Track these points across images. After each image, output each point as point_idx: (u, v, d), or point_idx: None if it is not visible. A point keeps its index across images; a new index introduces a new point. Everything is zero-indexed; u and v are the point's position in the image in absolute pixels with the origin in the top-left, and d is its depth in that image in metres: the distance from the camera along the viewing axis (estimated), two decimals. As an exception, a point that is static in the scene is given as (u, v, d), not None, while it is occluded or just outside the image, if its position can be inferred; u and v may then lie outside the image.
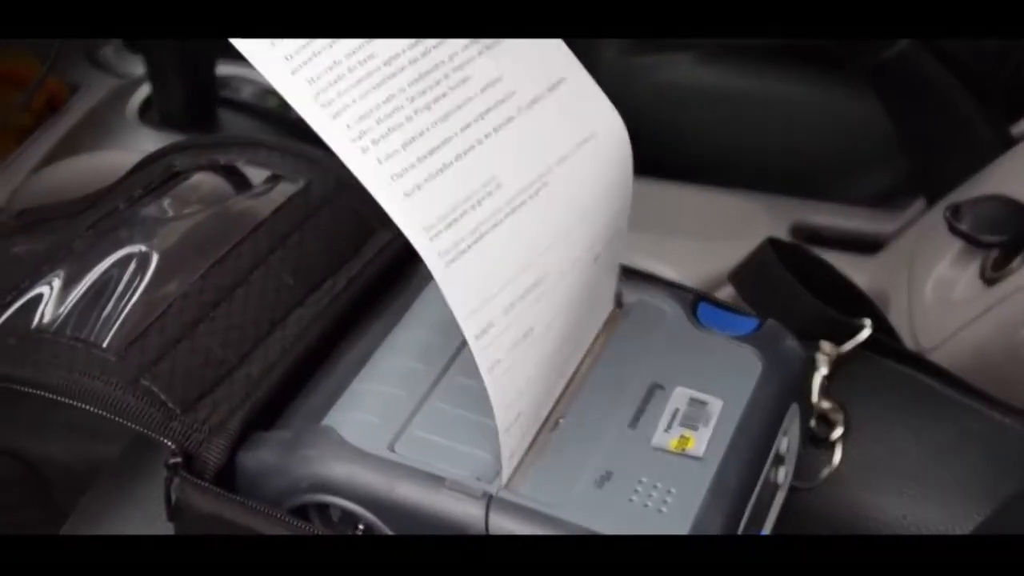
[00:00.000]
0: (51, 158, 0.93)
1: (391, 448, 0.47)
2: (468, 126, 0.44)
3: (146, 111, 0.95)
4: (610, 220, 0.49)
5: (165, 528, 0.49)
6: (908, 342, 0.77)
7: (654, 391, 0.51)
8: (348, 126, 0.42)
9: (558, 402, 0.50)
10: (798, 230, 1.00)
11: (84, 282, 0.54)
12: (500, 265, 0.44)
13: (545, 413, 0.48)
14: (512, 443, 0.46)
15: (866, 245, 0.96)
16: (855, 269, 0.87)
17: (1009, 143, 0.86)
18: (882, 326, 0.64)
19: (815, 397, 0.58)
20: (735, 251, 0.72)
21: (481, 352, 0.43)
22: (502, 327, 0.44)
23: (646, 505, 0.46)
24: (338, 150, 0.42)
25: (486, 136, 0.45)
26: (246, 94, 0.98)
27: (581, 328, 0.50)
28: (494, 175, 0.44)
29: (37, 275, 0.55)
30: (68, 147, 0.94)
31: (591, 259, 0.48)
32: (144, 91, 0.96)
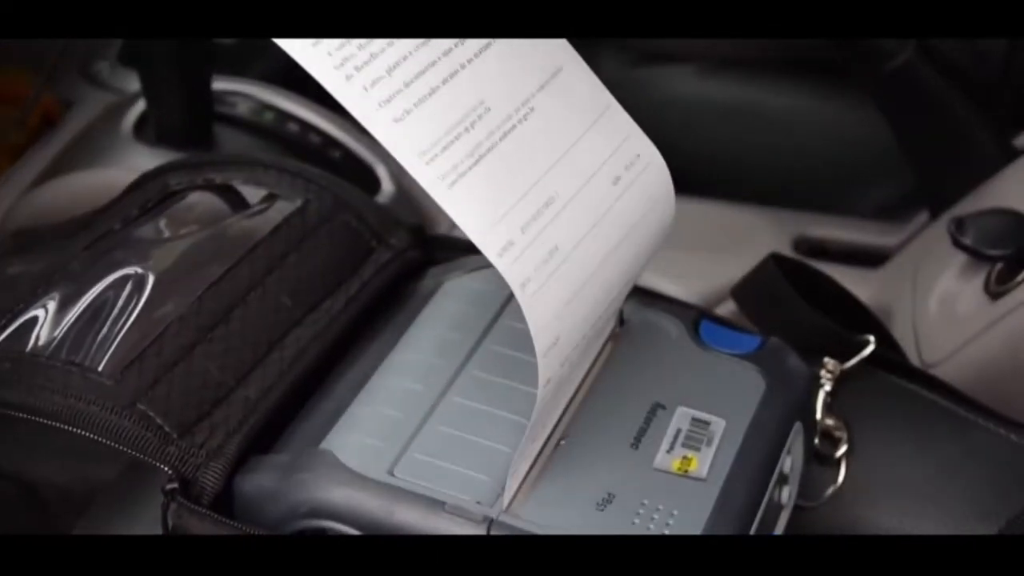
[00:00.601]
0: (46, 176, 0.93)
1: (390, 472, 0.47)
2: (450, 51, 0.44)
3: (141, 128, 0.95)
4: (614, 142, 0.49)
5: (162, 553, 0.49)
6: (912, 356, 0.77)
7: (656, 411, 0.51)
8: (329, 53, 0.42)
9: (559, 423, 0.50)
10: (801, 243, 1.00)
11: (79, 304, 0.54)
12: (504, 185, 0.43)
13: (583, 340, 0.47)
14: (550, 370, 0.45)
15: (870, 258, 0.96)
16: (859, 282, 0.87)
17: (1013, 155, 0.86)
18: (886, 341, 0.64)
19: (819, 414, 0.58)
20: (738, 265, 0.71)
21: (508, 270, 0.43)
22: (523, 245, 0.43)
23: (649, 528, 0.46)
24: (321, 78, 0.41)
25: (468, 61, 0.44)
26: (242, 109, 0.98)
27: (618, 265, 0.50)
28: (482, 99, 0.44)
29: (32, 297, 0.55)
30: (63, 165, 0.94)
31: (608, 180, 0.48)
32: (139, 107, 0.96)
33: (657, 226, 0.50)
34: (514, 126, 0.45)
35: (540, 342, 0.43)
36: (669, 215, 0.50)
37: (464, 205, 0.42)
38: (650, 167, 0.50)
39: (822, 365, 0.59)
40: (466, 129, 0.43)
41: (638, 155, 0.49)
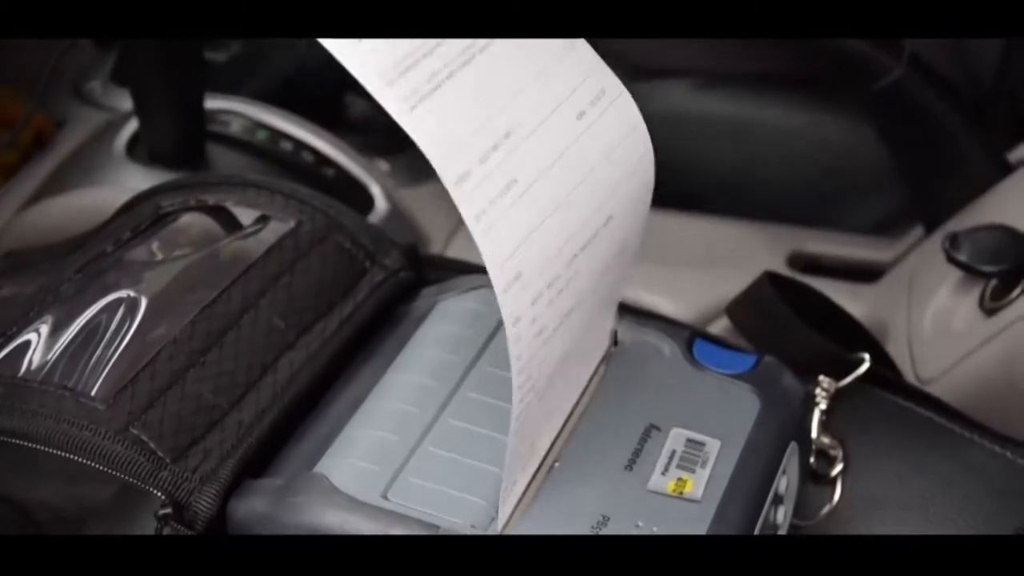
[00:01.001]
0: (38, 196, 0.93)
1: (384, 495, 0.47)
2: None
3: (134, 147, 0.95)
4: (578, 77, 0.48)
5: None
6: (908, 373, 0.77)
7: (650, 432, 0.51)
8: None
9: (553, 445, 0.50)
10: (796, 258, 1.00)
11: (72, 328, 0.54)
12: (464, 113, 0.43)
13: (559, 280, 0.46)
14: (517, 308, 0.43)
15: (865, 273, 0.96)
16: (854, 298, 0.87)
17: (1007, 169, 0.87)
18: (881, 359, 0.64)
19: (814, 433, 0.58)
20: (733, 281, 0.72)
21: (463, 201, 0.42)
22: (480, 177, 0.42)
23: (643, 550, 0.46)
24: None
25: None
26: (235, 128, 0.98)
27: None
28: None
29: (24, 321, 0.55)
30: (55, 185, 0.94)
31: (572, 114, 0.47)
32: (132, 126, 0.96)
33: (630, 162, 0.49)
34: (473, 56, 0.44)
35: (498, 278, 0.42)
36: (642, 151, 0.50)
37: (424, 131, 0.41)
38: (617, 103, 0.49)
39: (817, 383, 0.59)
40: (424, 55, 0.43)
41: (603, 90, 0.48)
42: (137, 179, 0.90)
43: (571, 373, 0.50)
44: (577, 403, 0.52)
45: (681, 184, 1.08)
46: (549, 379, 0.47)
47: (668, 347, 0.55)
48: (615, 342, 0.55)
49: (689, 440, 0.51)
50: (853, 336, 0.64)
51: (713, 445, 0.50)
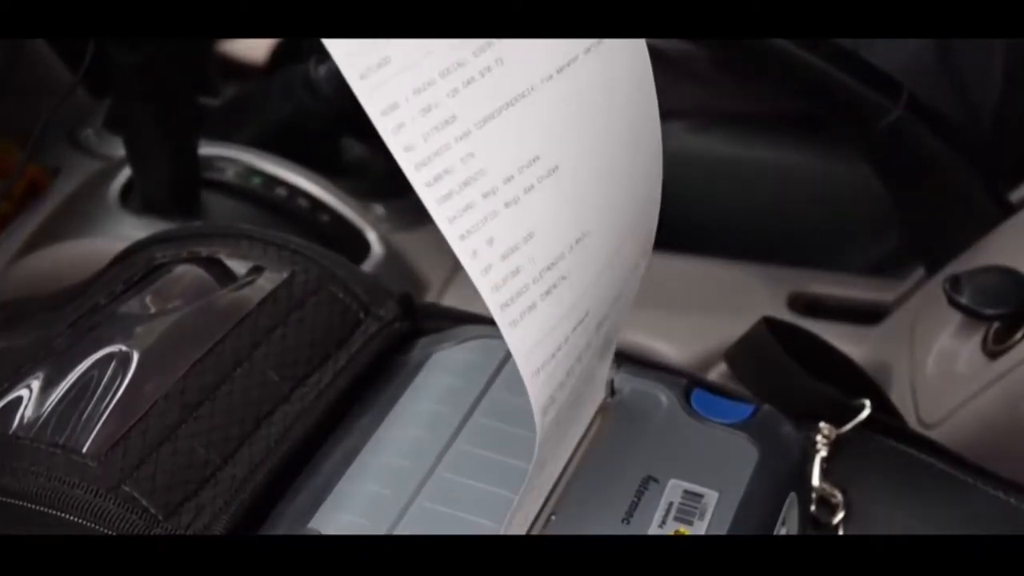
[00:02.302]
0: (31, 245, 0.94)
1: (379, 552, 0.48)
2: None
3: (128, 194, 0.96)
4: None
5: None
6: (910, 418, 0.77)
7: (648, 484, 0.51)
8: None
9: (549, 497, 0.50)
10: (796, 300, 1.00)
11: (64, 384, 0.54)
12: None
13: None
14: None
15: (867, 315, 0.96)
16: (855, 340, 0.88)
17: (1009, 210, 0.87)
18: (883, 404, 0.64)
19: (815, 480, 0.58)
20: (733, 324, 0.72)
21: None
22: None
23: (641, 605, 0.46)
24: None
25: None
26: (230, 175, 0.99)
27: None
28: None
29: (16, 376, 0.55)
30: (49, 234, 0.94)
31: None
32: (126, 174, 0.97)
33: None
34: None
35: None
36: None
37: None
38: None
39: (818, 430, 0.60)
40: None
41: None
42: (131, 228, 0.90)
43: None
44: (573, 455, 0.52)
45: (679, 225, 1.08)
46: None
47: (666, 397, 0.55)
48: (612, 392, 0.55)
49: (687, 491, 0.51)
50: (854, 381, 0.65)
51: (711, 496, 0.51)
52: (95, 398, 0.53)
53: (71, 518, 0.49)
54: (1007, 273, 0.75)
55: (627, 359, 0.57)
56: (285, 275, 0.60)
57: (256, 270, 0.61)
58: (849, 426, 0.60)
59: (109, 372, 0.54)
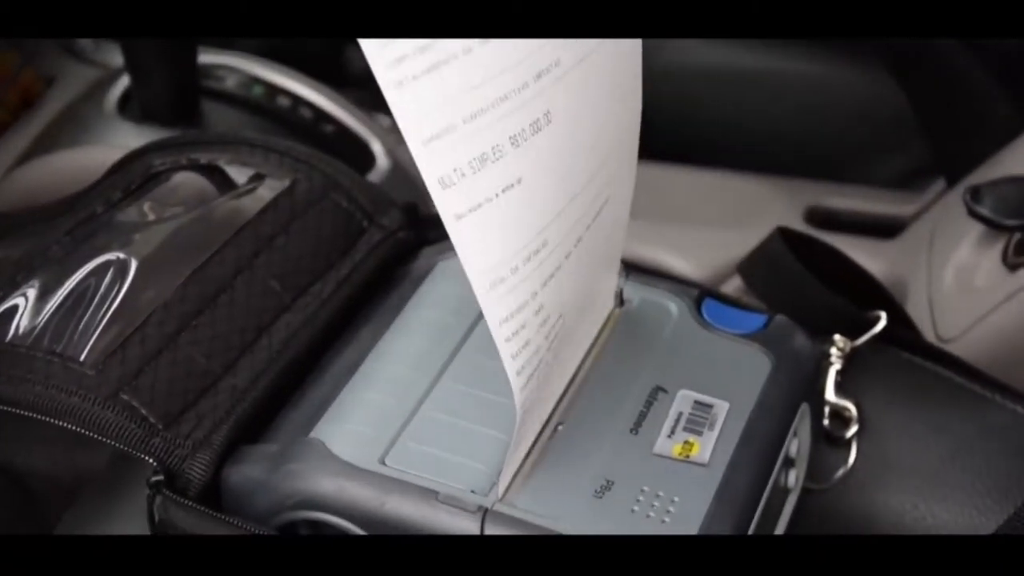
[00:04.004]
0: (27, 155, 0.93)
1: (382, 461, 0.48)
2: None
3: (126, 104, 0.95)
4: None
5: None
6: (928, 332, 0.77)
7: (657, 394, 0.51)
8: None
9: (556, 407, 0.51)
10: (813, 214, 1.00)
11: (60, 292, 0.54)
12: None
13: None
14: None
15: (884, 229, 0.96)
16: (873, 254, 0.87)
17: (1032, 120, 0.86)
18: (899, 317, 0.64)
19: (829, 394, 0.58)
20: (748, 238, 0.72)
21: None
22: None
23: (648, 516, 0.46)
24: None
25: None
26: (230, 83, 0.98)
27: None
28: None
29: (12, 285, 0.55)
30: (45, 143, 0.94)
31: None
32: (124, 83, 0.96)
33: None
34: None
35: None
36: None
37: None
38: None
39: (832, 343, 0.60)
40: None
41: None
42: (129, 137, 0.90)
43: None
44: (581, 364, 0.52)
45: (693, 139, 1.08)
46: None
47: (676, 307, 0.55)
48: (621, 302, 0.55)
49: (696, 402, 0.51)
50: (870, 294, 0.64)
51: (721, 407, 0.51)
52: (92, 306, 0.53)
53: (69, 426, 0.49)
54: (1029, 183, 0.74)
55: (637, 270, 0.57)
56: (287, 183, 0.60)
57: (257, 178, 0.61)
58: (864, 338, 0.60)
59: (107, 280, 0.54)
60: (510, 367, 0.44)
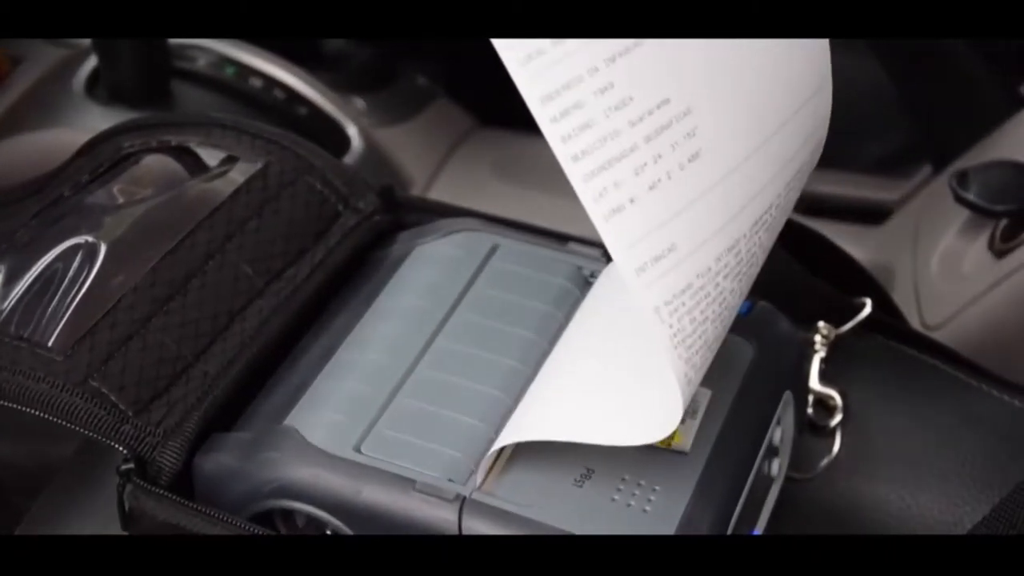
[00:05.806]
0: (-7, 137, 0.93)
1: (357, 449, 0.48)
2: None
3: (94, 84, 0.95)
4: None
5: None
6: (914, 318, 0.78)
7: None
8: None
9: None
10: (799, 199, 1.00)
11: (28, 276, 0.54)
12: None
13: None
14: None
15: (870, 214, 0.96)
16: (859, 241, 0.88)
17: (1019, 104, 0.87)
18: (884, 304, 0.64)
19: (812, 382, 0.59)
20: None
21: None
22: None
23: (629, 505, 0.46)
24: None
25: None
26: (202, 64, 0.98)
27: None
28: None
29: (-23, 270, 0.55)
30: (11, 125, 0.93)
31: None
32: (92, 63, 0.96)
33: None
34: None
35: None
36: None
37: None
38: None
39: (816, 330, 0.60)
40: None
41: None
42: (97, 118, 0.90)
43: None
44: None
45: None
46: None
47: (657, 292, 0.55)
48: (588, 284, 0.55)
49: (678, 389, 0.51)
50: (855, 280, 0.65)
51: (704, 395, 0.51)
52: (61, 291, 0.53)
53: (37, 413, 0.49)
54: (1016, 168, 0.75)
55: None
56: (259, 165, 0.60)
57: (229, 160, 0.61)
58: (849, 325, 0.60)
59: (75, 264, 0.54)
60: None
